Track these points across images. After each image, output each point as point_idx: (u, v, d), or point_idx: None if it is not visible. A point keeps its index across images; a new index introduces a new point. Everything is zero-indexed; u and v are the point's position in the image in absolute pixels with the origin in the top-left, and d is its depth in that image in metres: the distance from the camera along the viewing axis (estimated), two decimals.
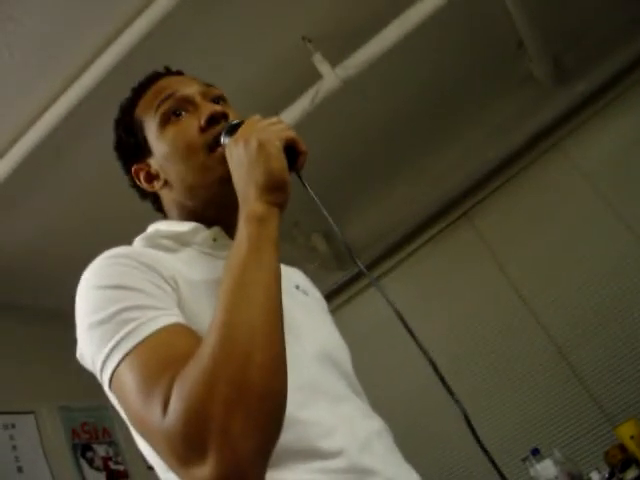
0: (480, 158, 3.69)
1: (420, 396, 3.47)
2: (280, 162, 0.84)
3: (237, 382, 0.66)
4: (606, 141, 3.53)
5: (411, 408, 3.59)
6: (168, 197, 1.03)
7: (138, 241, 0.99)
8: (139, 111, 1.05)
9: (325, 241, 3.92)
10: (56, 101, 2.11)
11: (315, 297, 1.12)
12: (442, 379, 0.84)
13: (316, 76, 2.50)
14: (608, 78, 3.45)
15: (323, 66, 2.49)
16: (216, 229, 0.98)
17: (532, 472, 2.74)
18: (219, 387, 0.65)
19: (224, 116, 0.98)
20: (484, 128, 3.67)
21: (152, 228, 1.02)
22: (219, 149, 0.94)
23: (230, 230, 0.87)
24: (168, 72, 1.09)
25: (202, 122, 0.97)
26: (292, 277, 1.08)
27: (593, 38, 3.34)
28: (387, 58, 2.47)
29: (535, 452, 2.79)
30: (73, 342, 0.85)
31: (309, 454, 0.78)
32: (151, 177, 1.04)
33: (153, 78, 1.07)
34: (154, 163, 1.03)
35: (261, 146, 0.84)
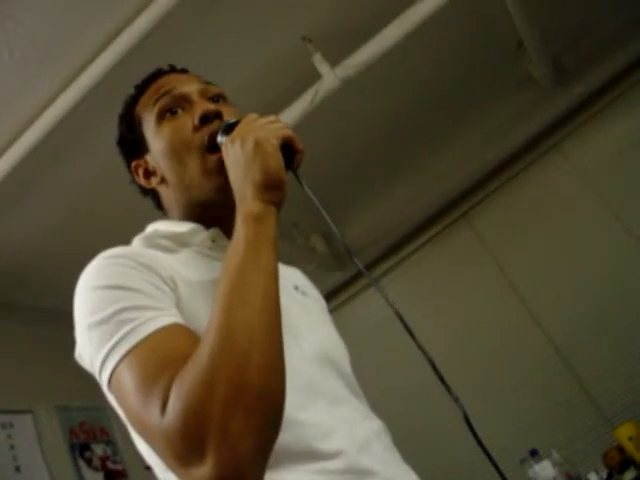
0: (479, 159, 3.69)
1: (419, 396, 3.46)
2: (277, 161, 0.84)
3: (236, 382, 0.66)
4: (605, 142, 3.53)
5: (410, 408, 3.59)
6: (166, 194, 1.03)
7: (137, 241, 0.99)
8: (139, 108, 1.05)
9: (324, 241, 3.92)
10: (55, 100, 2.11)
11: (314, 297, 1.12)
12: (441, 379, 0.84)
13: (316, 76, 2.50)
14: (607, 79, 3.46)
15: (323, 66, 2.49)
16: (215, 230, 0.98)
17: (530, 473, 2.74)
18: (218, 387, 0.65)
19: (218, 115, 0.98)
20: (483, 129, 3.67)
21: (151, 228, 1.02)
22: (217, 154, 0.93)
23: (229, 230, 0.87)
24: (172, 70, 1.09)
25: (195, 121, 0.97)
26: (291, 277, 1.08)
27: (593, 39, 3.35)
28: (387, 58, 2.47)
29: (533, 453, 2.79)
30: (71, 342, 0.85)
31: (308, 455, 0.78)
32: (148, 173, 1.04)
33: (156, 75, 1.07)
34: (151, 159, 1.03)
35: (258, 145, 0.84)
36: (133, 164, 1.06)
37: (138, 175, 1.06)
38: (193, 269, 0.90)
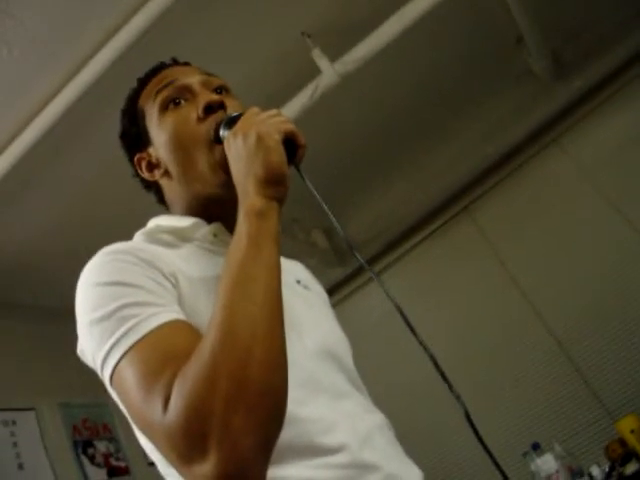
0: (479, 153, 3.69)
1: (421, 391, 3.47)
2: (279, 155, 0.83)
3: (238, 378, 0.66)
4: (605, 136, 3.53)
5: (412, 403, 3.60)
6: (169, 187, 1.03)
7: (138, 236, 0.99)
8: (141, 101, 1.05)
9: (325, 237, 3.92)
10: (54, 98, 2.11)
11: (316, 291, 1.11)
12: (442, 374, 0.83)
13: (315, 71, 2.50)
14: (607, 74, 3.45)
15: (322, 61, 2.49)
16: (216, 225, 0.98)
17: (533, 466, 2.75)
18: (220, 383, 0.65)
19: (221, 105, 0.98)
20: (483, 123, 3.67)
21: (152, 223, 1.01)
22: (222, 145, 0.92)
23: (231, 225, 0.86)
24: (174, 63, 1.09)
25: (199, 111, 0.97)
26: (293, 271, 1.08)
27: (592, 33, 3.34)
28: (386, 54, 2.47)
29: (535, 446, 2.80)
30: (73, 339, 0.85)
31: (310, 450, 0.78)
32: (152, 166, 1.04)
33: (158, 68, 1.07)
34: (154, 152, 1.03)
35: (260, 139, 0.83)
36: (136, 157, 1.05)
37: (141, 168, 1.05)
38: (194, 265, 0.90)
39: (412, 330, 0.86)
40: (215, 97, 0.98)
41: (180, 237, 0.97)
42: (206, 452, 0.63)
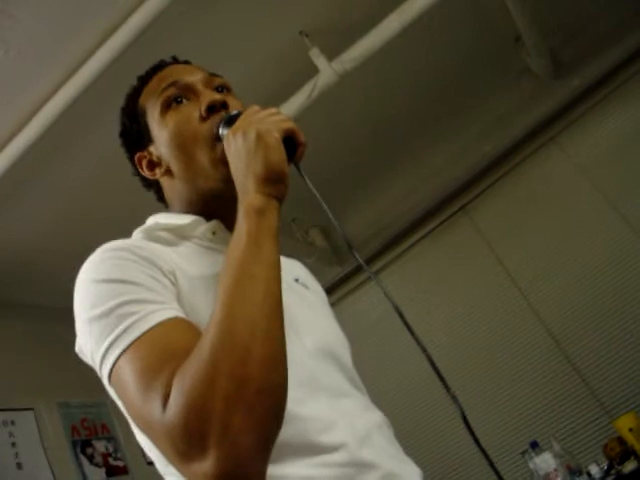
0: (477, 152, 3.69)
1: (419, 390, 3.47)
2: (279, 153, 0.83)
3: (237, 376, 0.66)
4: (602, 135, 3.54)
5: (409, 402, 3.60)
6: (169, 186, 1.03)
7: (137, 233, 0.98)
8: (143, 99, 1.04)
9: (323, 236, 3.92)
10: (53, 97, 2.11)
11: (315, 289, 1.11)
12: (439, 374, 0.83)
13: (313, 70, 2.50)
14: (605, 72, 3.46)
15: (320, 60, 2.49)
16: (216, 222, 0.98)
17: (531, 465, 2.75)
18: (219, 382, 0.65)
19: (224, 105, 0.98)
20: (481, 122, 3.67)
21: (152, 220, 1.01)
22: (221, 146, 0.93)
23: (230, 223, 0.86)
24: (175, 61, 1.09)
25: (202, 111, 0.96)
26: (292, 269, 1.08)
27: (590, 32, 3.35)
28: (384, 52, 2.47)
29: (534, 445, 2.80)
30: (72, 339, 0.84)
31: (309, 449, 0.78)
32: (153, 164, 1.03)
33: (159, 66, 1.07)
34: (156, 150, 1.02)
35: (260, 137, 0.83)
36: (137, 156, 1.05)
37: (141, 167, 1.05)
38: (193, 263, 0.90)
39: (409, 329, 0.86)
40: (218, 97, 0.98)
41: (179, 235, 0.97)
42: (205, 450, 0.63)
